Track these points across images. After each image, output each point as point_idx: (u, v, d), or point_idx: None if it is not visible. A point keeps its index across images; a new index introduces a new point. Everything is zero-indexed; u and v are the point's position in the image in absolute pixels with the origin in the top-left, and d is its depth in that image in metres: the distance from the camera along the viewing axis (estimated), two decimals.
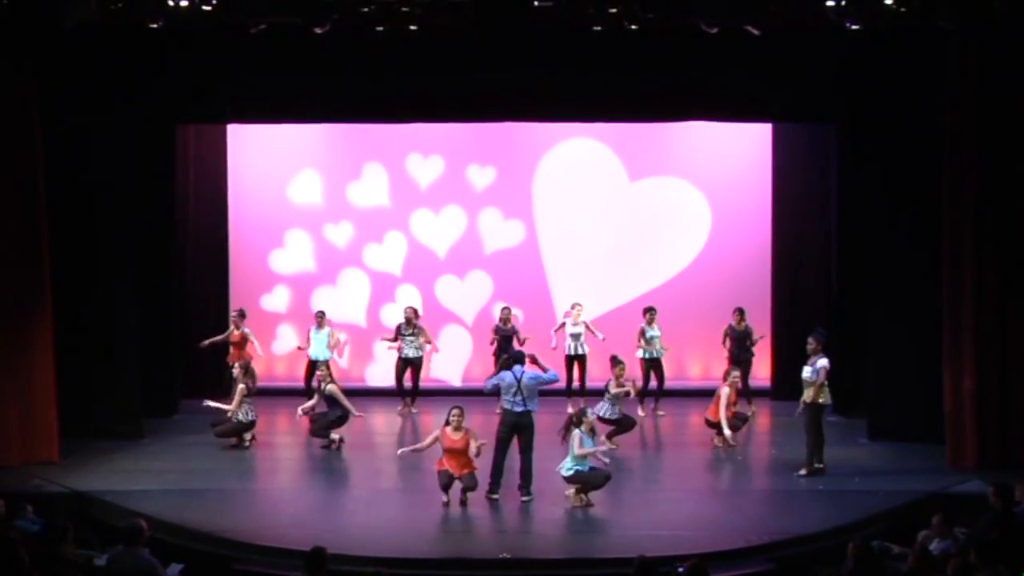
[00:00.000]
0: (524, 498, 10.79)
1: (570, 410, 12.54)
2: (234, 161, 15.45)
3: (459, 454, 10.67)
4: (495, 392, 11.13)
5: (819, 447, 11.62)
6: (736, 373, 13.00)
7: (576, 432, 10.67)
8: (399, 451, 11.67)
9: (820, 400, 11.51)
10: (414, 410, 14.47)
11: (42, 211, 11.92)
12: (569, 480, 10.69)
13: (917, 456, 12.13)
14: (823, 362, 11.47)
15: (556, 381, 11.43)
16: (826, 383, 11.49)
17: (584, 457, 10.67)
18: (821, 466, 11.59)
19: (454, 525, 10.39)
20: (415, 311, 14.49)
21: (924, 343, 12.31)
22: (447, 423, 10.75)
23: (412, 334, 14.33)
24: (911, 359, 12.56)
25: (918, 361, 12.47)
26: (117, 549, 8.37)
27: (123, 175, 12.77)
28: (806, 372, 11.55)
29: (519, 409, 10.82)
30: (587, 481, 10.67)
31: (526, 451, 10.88)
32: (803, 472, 11.57)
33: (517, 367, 10.96)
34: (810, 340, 11.69)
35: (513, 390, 10.82)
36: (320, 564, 8.04)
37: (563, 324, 14.44)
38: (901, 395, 12.68)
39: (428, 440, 10.90)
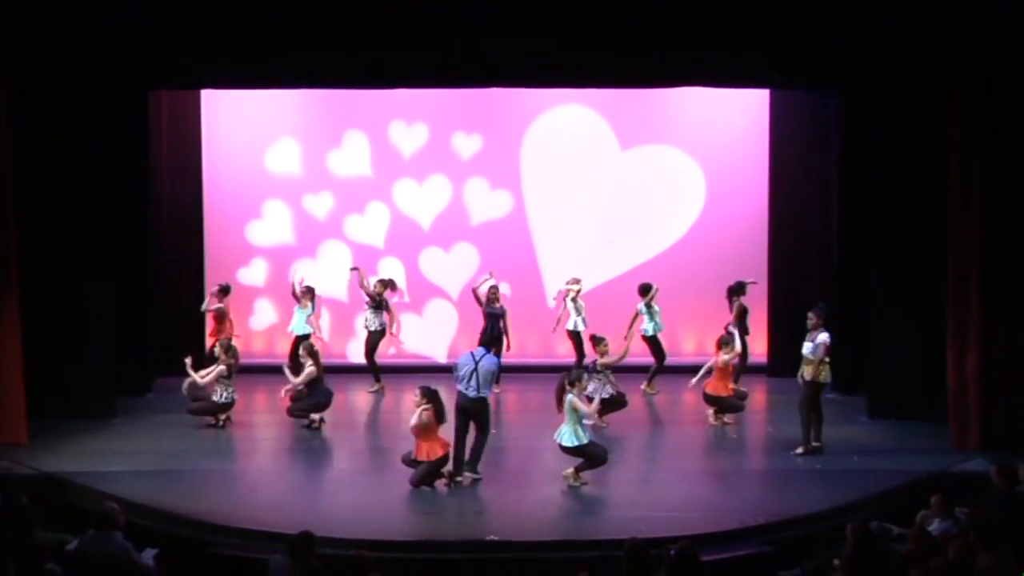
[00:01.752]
0: (472, 475, 10.73)
1: None
2: (209, 129, 15.37)
3: (423, 437, 10.62)
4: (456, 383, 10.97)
5: (817, 425, 11.68)
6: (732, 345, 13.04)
7: (570, 397, 10.63)
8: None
9: (820, 379, 11.55)
10: (371, 389, 14.44)
11: (9, 183, 11.82)
12: (568, 451, 10.66)
13: (919, 435, 12.20)
14: (823, 337, 11.50)
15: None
16: (827, 360, 11.52)
17: (581, 419, 10.61)
18: (819, 445, 11.66)
19: (440, 507, 10.42)
20: (383, 284, 14.44)
21: (928, 318, 12.35)
22: None
23: (375, 307, 14.32)
24: (914, 335, 12.60)
25: (921, 337, 12.51)
26: (89, 533, 8.40)
27: (94, 144, 12.68)
28: (806, 348, 11.58)
29: (472, 395, 10.76)
30: (587, 455, 10.65)
31: (483, 433, 10.84)
32: (800, 451, 11.64)
33: (479, 349, 10.92)
34: (811, 315, 11.71)
35: (469, 372, 10.74)
36: (306, 549, 8.08)
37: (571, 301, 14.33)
38: (903, 372, 12.73)
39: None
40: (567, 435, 10.62)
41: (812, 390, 11.61)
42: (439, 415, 10.64)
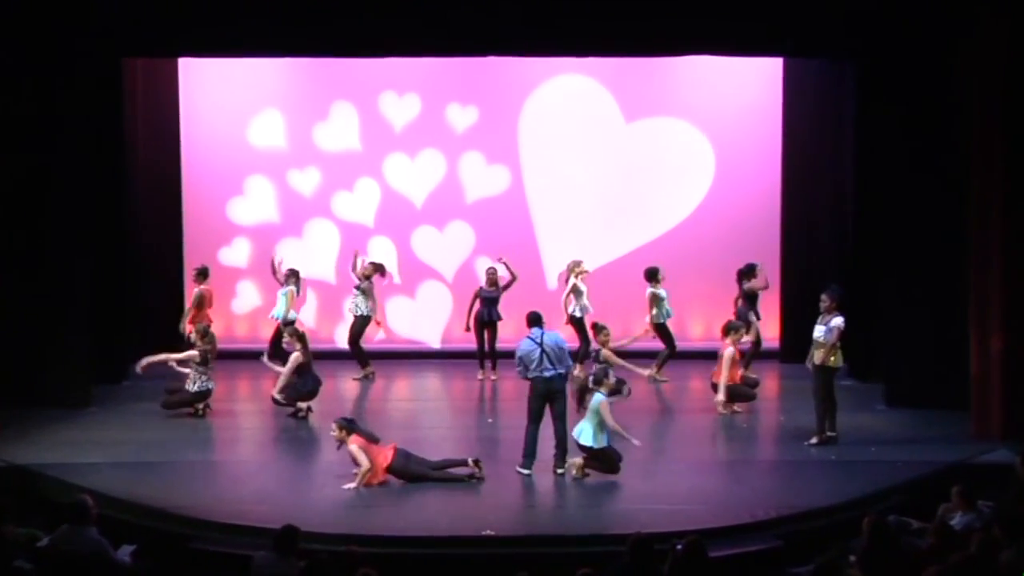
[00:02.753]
0: (559, 470, 10.77)
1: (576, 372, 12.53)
2: (188, 100, 15.35)
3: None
4: (526, 372, 10.92)
5: (831, 414, 11.70)
6: (741, 331, 13.04)
7: (599, 396, 10.60)
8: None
9: (831, 363, 11.55)
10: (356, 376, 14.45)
11: None
12: (587, 451, 10.63)
13: (938, 424, 12.20)
14: (838, 321, 11.49)
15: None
16: (838, 344, 11.52)
17: (603, 426, 10.56)
18: (833, 434, 11.67)
19: (434, 500, 10.41)
20: (374, 267, 14.41)
21: (948, 301, 12.35)
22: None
23: (360, 291, 14.29)
24: (933, 318, 12.61)
25: (940, 321, 12.52)
26: (62, 528, 8.39)
27: (65, 118, 12.63)
28: (818, 331, 11.58)
29: (549, 374, 10.78)
30: (604, 459, 10.64)
31: (560, 419, 10.84)
32: (814, 441, 11.65)
33: (535, 330, 10.92)
34: (824, 297, 11.70)
35: (538, 355, 10.76)
36: (291, 544, 8.11)
37: (574, 285, 14.30)
38: (921, 358, 12.73)
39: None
40: (588, 434, 10.61)
41: (824, 376, 11.61)
42: (368, 437, 10.67)
